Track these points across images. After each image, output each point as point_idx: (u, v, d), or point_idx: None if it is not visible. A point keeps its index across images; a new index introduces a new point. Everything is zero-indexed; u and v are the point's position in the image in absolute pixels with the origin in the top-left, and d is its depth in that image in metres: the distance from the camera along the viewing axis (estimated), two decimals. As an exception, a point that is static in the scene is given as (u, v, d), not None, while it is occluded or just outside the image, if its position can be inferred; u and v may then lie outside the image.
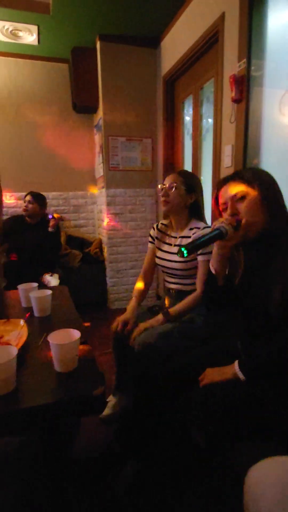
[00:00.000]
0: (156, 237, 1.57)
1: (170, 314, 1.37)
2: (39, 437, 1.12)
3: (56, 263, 2.76)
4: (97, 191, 3.47)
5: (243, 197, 0.95)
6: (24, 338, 0.95)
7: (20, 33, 2.67)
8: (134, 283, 3.25)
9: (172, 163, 2.94)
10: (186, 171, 1.62)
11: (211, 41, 2.07)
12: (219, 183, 1.03)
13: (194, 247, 0.98)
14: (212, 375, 0.97)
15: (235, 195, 0.96)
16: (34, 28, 2.61)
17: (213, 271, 1.07)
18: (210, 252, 1.34)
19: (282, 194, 0.99)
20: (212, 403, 0.91)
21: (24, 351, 0.92)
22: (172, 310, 1.39)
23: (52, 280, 2.36)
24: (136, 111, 2.97)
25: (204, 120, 2.42)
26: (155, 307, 1.58)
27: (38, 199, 2.57)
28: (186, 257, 0.97)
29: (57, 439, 1.04)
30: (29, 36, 2.72)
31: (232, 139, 1.89)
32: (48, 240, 2.58)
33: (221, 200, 1.02)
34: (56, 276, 2.42)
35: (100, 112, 2.97)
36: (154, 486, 1.19)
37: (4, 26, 2.56)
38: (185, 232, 1.45)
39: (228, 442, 0.92)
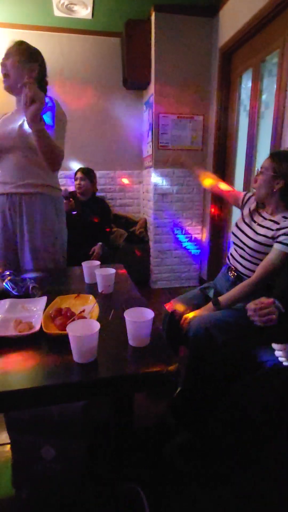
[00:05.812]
0: (249, 208, 1.48)
1: (221, 304, 1.35)
2: (103, 403, 1.21)
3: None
4: (144, 170, 3.45)
5: None
6: (96, 313, 1.01)
7: (75, 7, 2.64)
8: (177, 264, 3.28)
9: (224, 142, 2.83)
10: (282, 152, 1.44)
11: (281, 7, 1.91)
12: None
13: None
14: None
15: None
16: (89, 1, 2.56)
17: None
18: None
19: None
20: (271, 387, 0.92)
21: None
22: (223, 298, 1.35)
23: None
24: (189, 87, 2.86)
25: (264, 96, 2.28)
26: (208, 288, 1.57)
27: (89, 175, 2.57)
28: None
29: (121, 406, 1.12)
30: (83, 9, 2.68)
31: (298, 116, 1.78)
32: (101, 216, 2.60)
33: None
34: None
35: (152, 88, 2.90)
36: (205, 457, 1.24)
37: (60, 1, 2.54)
38: (277, 218, 1.34)
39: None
